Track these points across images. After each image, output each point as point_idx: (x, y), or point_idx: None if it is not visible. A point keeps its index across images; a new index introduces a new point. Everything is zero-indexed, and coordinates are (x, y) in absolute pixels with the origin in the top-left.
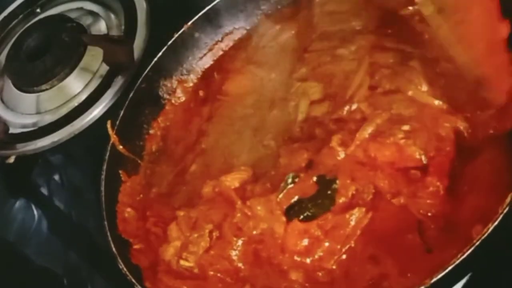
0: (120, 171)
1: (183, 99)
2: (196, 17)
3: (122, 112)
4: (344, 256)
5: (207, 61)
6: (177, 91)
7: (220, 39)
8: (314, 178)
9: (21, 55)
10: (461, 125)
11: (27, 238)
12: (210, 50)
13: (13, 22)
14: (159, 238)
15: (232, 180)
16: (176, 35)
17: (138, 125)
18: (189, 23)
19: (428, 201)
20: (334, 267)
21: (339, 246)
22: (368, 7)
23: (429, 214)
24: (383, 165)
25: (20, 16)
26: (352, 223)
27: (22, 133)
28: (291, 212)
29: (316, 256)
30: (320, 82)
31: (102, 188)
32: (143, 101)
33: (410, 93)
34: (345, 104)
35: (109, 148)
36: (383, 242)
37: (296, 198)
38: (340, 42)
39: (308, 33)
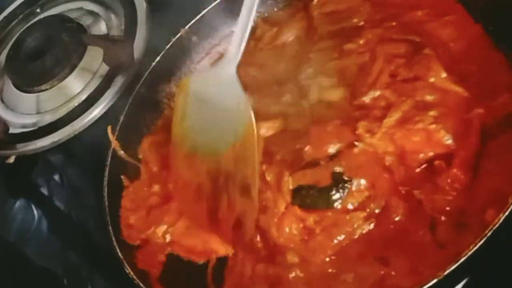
0: (122, 177)
1: None
2: (193, 21)
3: (122, 118)
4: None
5: (205, 65)
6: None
7: (217, 42)
8: (333, 170)
9: (21, 55)
10: (483, 111)
11: (27, 238)
12: (208, 53)
13: (13, 22)
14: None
15: (268, 129)
16: (173, 39)
17: (138, 130)
18: (186, 27)
19: (447, 197)
20: (327, 259)
21: (331, 244)
22: (367, 4)
23: (445, 209)
24: (408, 155)
25: (20, 16)
26: (352, 226)
27: (22, 133)
28: (297, 194)
29: (308, 246)
30: (333, 77)
31: (105, 194)
32: (143, 106)
33: (431, 80)
34: (367, 91)
35: (110, 154)
36: (392, 241)
37: (307, 182)
38: (346, 38)
39: (309, 35)
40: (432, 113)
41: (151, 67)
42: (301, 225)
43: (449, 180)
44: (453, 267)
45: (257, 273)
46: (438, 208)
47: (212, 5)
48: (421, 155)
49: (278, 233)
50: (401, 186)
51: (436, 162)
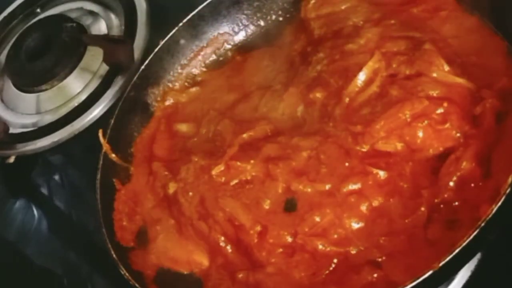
0: (114, 180)
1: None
2: (180, 24)
3: (112, 121)
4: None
5: (194, 67)
6: (165, 98)
7: (205, 45)
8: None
9: (21, 55)
10: (488, 102)
11: (27, 238)
12: (196, 56)
13: (13, 22)
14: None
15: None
16: (161, 43)
17: (128, 133)
18: (174, 30)
19: (452, 195)
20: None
21: (317, 263)
22: (364, 3)
23: (444, 206)
24: (418, 152)
25: (20, 16)
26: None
27: (22, 133)
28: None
29: (291, 261)
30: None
31: (98, 197)
32: (133, 110)
33: (434, 74)
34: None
35: (101, 157)
36: (382, 247)
37: None
38: (346, 39)
39: (304, 38)
40: (438, 108)
41: (140, 70)
42: (289, 239)
43: (460, 174)
44: (447, 259)
45: (238, 281)
46: (437, 206)
47: (199, 7)
48: (431, 151)
49: (261, 248)
50: (404, 183)
51: (450, 157)
